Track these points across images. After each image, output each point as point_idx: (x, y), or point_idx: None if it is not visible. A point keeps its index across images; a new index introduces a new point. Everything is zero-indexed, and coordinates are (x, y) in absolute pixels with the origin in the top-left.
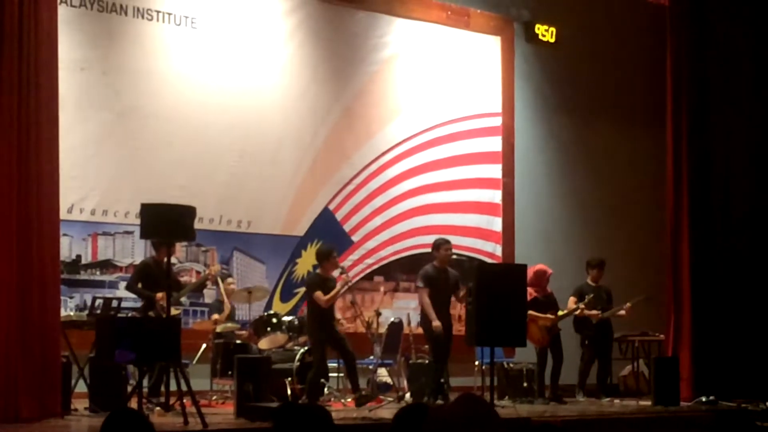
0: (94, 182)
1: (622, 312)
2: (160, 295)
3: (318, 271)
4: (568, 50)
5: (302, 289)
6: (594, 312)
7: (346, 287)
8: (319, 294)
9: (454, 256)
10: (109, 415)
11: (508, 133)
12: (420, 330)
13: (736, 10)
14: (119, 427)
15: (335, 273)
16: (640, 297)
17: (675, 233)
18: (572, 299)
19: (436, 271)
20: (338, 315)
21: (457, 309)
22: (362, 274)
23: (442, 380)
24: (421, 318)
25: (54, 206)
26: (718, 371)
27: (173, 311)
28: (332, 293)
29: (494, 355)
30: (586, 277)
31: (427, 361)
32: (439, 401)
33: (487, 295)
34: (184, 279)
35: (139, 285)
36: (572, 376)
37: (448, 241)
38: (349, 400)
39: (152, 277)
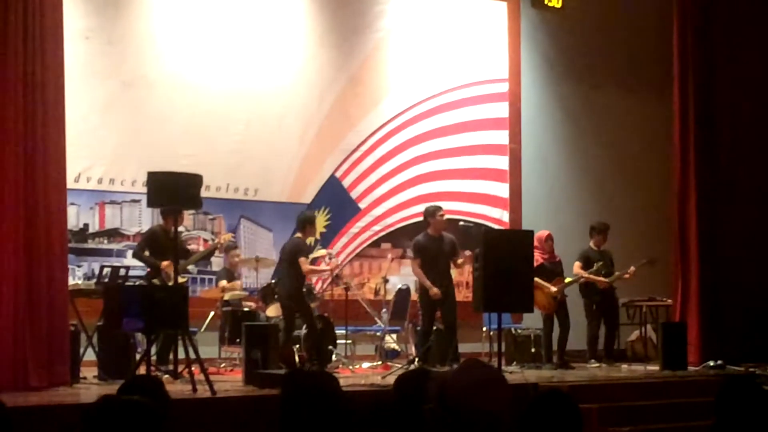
0: (101, 151)
1: (627, 276)
2: (165, 263)
3: (299, 235)
4: (575, 15)
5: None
6: (601, 278)
7: (333, 274)
8: (303, 260)
9: (461, 223)
10: (125, 381)
11: (514, 98)
12: None
13: None
14: (136, 393)
15: (326, 260)
16: (642, 261)
17: (682, 197)
18: (577, 264)
19: (429, 239)
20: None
21: (465, 276)
22: (369, 241)
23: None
24: (418, 287)
25: (61, 175)
26: (725, 336)
27: (180, 279)
28: (317, 269)
29: (501, 321)
30: (588, 241)
31: (435, 327)
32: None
33: (494, 262)
34: (191, 247)
35: (146, 252)
36: (580, 342)
37: (440, 208)
38: (357, 366)
39: (159, 245)
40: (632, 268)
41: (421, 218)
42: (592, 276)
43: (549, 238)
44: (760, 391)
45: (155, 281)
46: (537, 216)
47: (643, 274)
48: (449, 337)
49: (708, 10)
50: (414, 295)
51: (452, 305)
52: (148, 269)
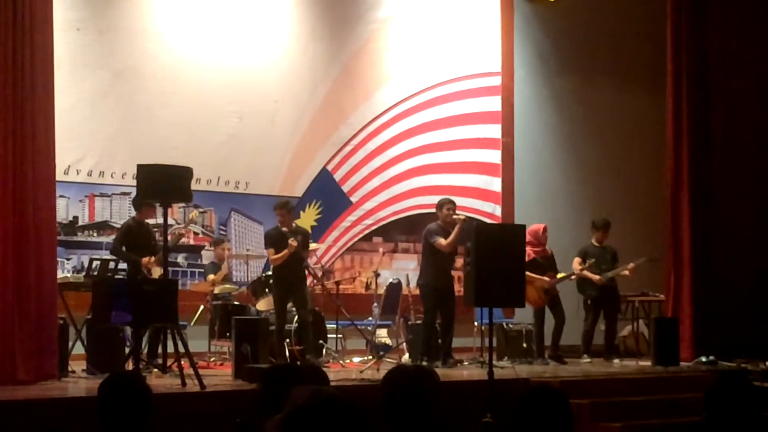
0: (91, 143)
1: (626, 272)
2: (146, 259)
3: (277, 224)
4: (568, 9)
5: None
6: (596, 276)
7: (289, 252)
8: (270, 251)
9: (454, 216)
10: (107, 377)
11: (507, 92)
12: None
13: None
14: (116, 389)
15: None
16: (645, 258)
17: (675, 192)
18: (576, 260)
19: (442, 229)
20: (336, 276)
21: (457, 271)
22: (361, 235)
23: (439, 341)
24: (420, 275)
25: (50, 168)
26: (718, 331)
27: (160, 272)
28: (280, 255)
29: (493, 316)
30: (590, 237)
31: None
32: (437, 364)
33: (485, 256)
34: (182, 240)
35: (123, 248)
36: (574, 337)
37: (451, 201)
38: (348, 361)
39: (135, 239)
40: (631, 265)
41: (412, 212)
42: (585, 273)
43: (545, 230)
44: (751, 387)
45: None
46: (529, 210)
47: (636, 269)
48: (446, 333)
49: (702, 3)
50: (405, 289)
51: (453, 301)
52: (128, 266)
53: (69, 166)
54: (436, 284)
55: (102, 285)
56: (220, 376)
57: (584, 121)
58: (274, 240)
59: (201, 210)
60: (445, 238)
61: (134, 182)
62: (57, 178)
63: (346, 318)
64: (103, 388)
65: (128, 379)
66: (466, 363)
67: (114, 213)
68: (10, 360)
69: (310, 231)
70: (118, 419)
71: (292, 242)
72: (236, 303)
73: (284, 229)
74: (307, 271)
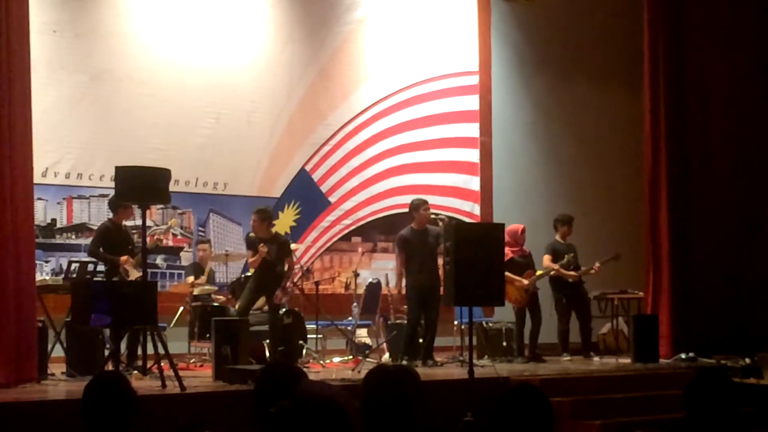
0: (69, 146)
1: (592, 271)
2: (123, 258)
3: (253, 232)
4: (545, 7)
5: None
6: (571, 272)
7: (260, 258)
8: (248, 254)
9: (432, 216)
10: (93, 378)
11: (485, 91)
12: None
13: None
14: (103, 390)
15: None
16: (609, 256)
17: (653, 190)
18: (546, 257)
19: (413, 233)
20: (316, 277)
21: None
22: (340, 235)
23: (420, 340)
24: (405, 278)
25: (28, 170)
26: (697, 328)
27: (136, 274)
28: (254, 259)
29: (473, 315)
30: (564, 235)
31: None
32: (417, 364)
33: (465, 255)
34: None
35: (101, 249)
36: (552, 335)
37: (425, 201)
38: (328, 361)
39: (112, 240)
40: (597, 264)
41: (391, 211)
42: (562, 270)
43: (524, 231)
44: (730, 383)
45: (114, 279)
46: (508, 209)
47: (614, 267)
48: (428, 334)
49: (678, 2)
50: (385, 289)
51: (436, 302)
52: (106, 267)
53: (47, 169)
54: (417, 283)
55: (81, 287)
56: (201, 377)
57: (562, 120)
58: (251, 244)
59: (180, 211)
60: (418, 240)
61: (112, 184)
62: (35, 181)
63: (326, 318)
64: (89, 389)
65: (114, 380)
66: (449, 362)
67: (92, 215)
68: None
69: (289, 239)
70: (103, 420)
71: (262, 248)
72: (216, 304)
73: (251, 234)
74: (286, 283)
